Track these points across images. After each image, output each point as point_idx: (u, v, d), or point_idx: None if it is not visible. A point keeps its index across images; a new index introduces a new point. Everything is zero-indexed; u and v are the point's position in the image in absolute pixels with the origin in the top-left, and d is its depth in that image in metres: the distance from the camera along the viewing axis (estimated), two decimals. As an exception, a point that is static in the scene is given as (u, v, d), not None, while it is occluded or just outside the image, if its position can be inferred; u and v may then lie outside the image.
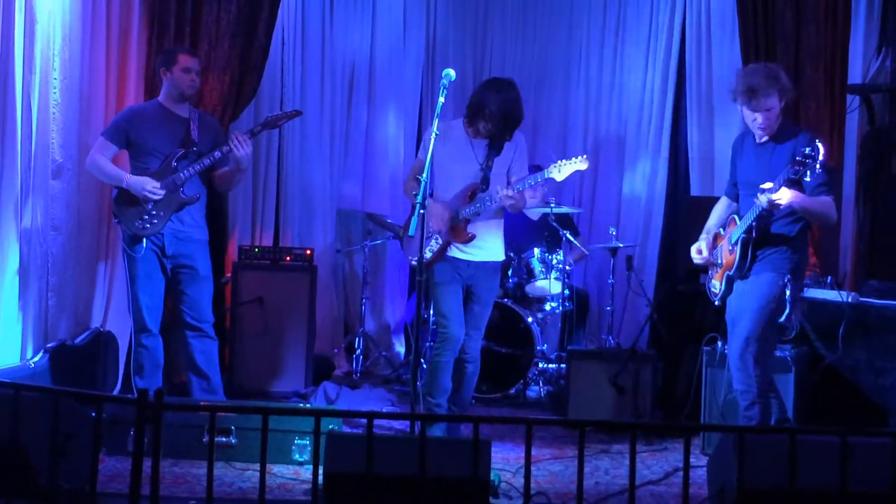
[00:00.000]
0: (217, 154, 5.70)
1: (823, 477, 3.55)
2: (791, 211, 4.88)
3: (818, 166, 4.55)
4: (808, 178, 4.63)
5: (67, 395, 3.98)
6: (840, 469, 3.42)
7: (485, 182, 5.45)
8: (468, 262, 5.50)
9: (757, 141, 5.08)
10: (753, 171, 5.04)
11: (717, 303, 5.23)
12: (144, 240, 5.67)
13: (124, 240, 5.77)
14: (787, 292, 4.92)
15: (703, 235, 5.34)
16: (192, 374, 5.83)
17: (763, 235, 4.95)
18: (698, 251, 5.30)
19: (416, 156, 5.83)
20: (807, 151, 4.56)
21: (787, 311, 4.96)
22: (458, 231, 5.43)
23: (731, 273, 5.05)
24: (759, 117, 4.95)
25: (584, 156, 5.36)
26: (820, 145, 4.59)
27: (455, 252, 5.48)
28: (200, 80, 6.01)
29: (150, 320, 5.78)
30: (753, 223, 4.91)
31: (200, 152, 5.75)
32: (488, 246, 5.53)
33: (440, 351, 5.50)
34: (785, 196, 4.68)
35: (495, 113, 5.34)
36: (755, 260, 4.97)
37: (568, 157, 5.39)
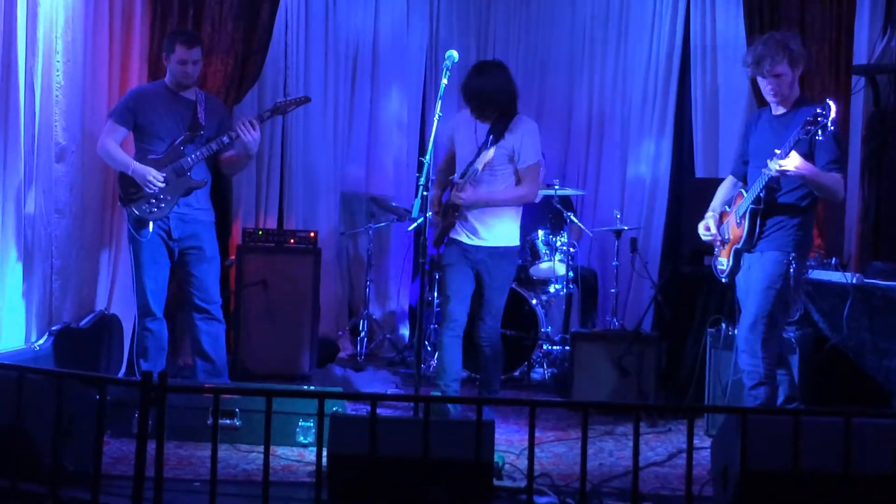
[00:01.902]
0: (225, 139, 5.69)
1: (827, 458, 3.55)
2: (800, 184, 4.84)
3: (830, 125, 4.52)
4: (819, 137, 4.58)
5: (71, 377, 3.98)
6: (843, 450, 3.43)
7: (469, 171, 5.41)
8: (476, 248, 5.49)
9: (773, 112, 5.05)
10: (768, 142, 4.94)
11: (724, 280, 5.20)
12: (151, 224, 5.66)
13: (130, 223, 5.76)
14: (792, 270, 4.90)
15: (709, 213, 5.30)
16: (197, 356, 5.84)
17: (771, 207, 4.92)
18: (706, 228, 5.25)
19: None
20: (818, 110, 4.52)
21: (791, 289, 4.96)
22: (447, 214, 5.45)
23: (738, 246, 5.01)
24: (770, 85, 4.91)
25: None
26: (832, 103, 4.53)
27: (462, 237, 5.48)
28: (203, 64, 5.98)
29: (155, 304, 5.78)
30: (762, 193, 4.86)
31: (208, 137, 5.74)
32: (496, 231, 5.50)
33: (441, 330, 5.55)
34: (793, 162, 4.61)
35: (475, 95, 5.36)
36: (762, 234, 4.94)
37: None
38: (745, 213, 4.95)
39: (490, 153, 5.27)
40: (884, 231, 6.44)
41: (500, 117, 5.44)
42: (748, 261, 5.02)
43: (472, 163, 5.36)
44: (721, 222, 5.23)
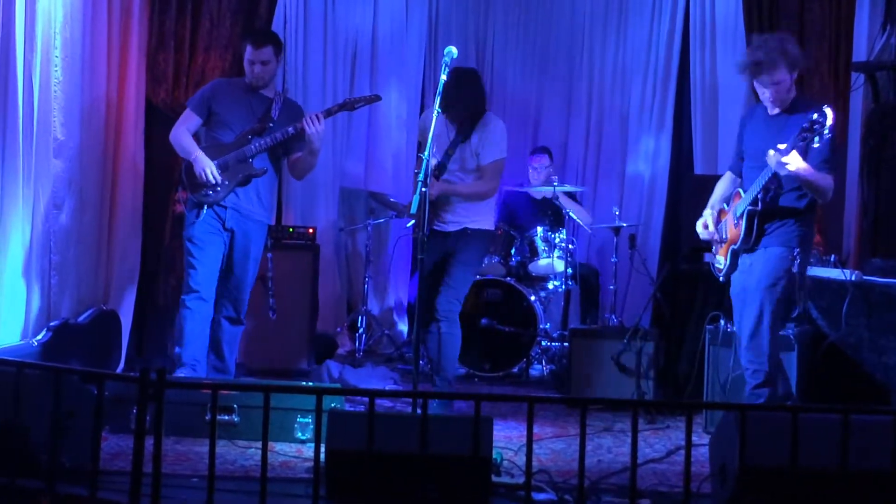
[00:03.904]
0: (290, 130, 5.65)
1: (825, 455, 3.55)
2: (797, 185, 4.85)
3: (826, 132, 4.52)
4: (816, 144, 4.59)
5: (69, 372, 3.98)
6: (842, 447, 3.43)
7: (440, 169, 5.60)
8: (447, 234, 5.65)
9: (769, 112, 5.03)
10: (763, 141, 4.93)
11: (721, 279, 5.21)
12: (205, 207, 5.64)
13: (187, 208, 5.77)
14: (796, 265, 4.91)
15: (707, 210, 5.30)
16: (211, 351, 5.80)
17: (769, 208, 4.92)
18: (704, 226, 5.25)
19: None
20: (814, 117, 4.52)
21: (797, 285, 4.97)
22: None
23: (735, 247, 5.01)
24: (768, 92, 4.91)
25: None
26: (829, 111, 4.54)
27: (439, 226, 5.63)
28: (201, 60, 5.94)
29: (197, 281, 5.67)
30: (759, 195, 4.86)
31: (276, 129, 5.71)
32: (467, 213, 5.66)
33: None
34: (794, 162, 4.62)
35: (452, 104, 5.46)
36: (762, 233, 4.94)
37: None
38: (742, 213, 4.95)
39: (457, 151, 5.52)
40: (883, 228, 6.43)
41: (469, 117, 5.61)
42: (750, 257, 5.01)
43: (445, 158, 5.60)
44: (719, 220, 5.23)
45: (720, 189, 5.36)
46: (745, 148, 5.16)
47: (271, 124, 5.72)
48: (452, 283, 5.67)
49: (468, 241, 5.69)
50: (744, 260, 5.05)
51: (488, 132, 5.61)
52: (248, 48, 5.73)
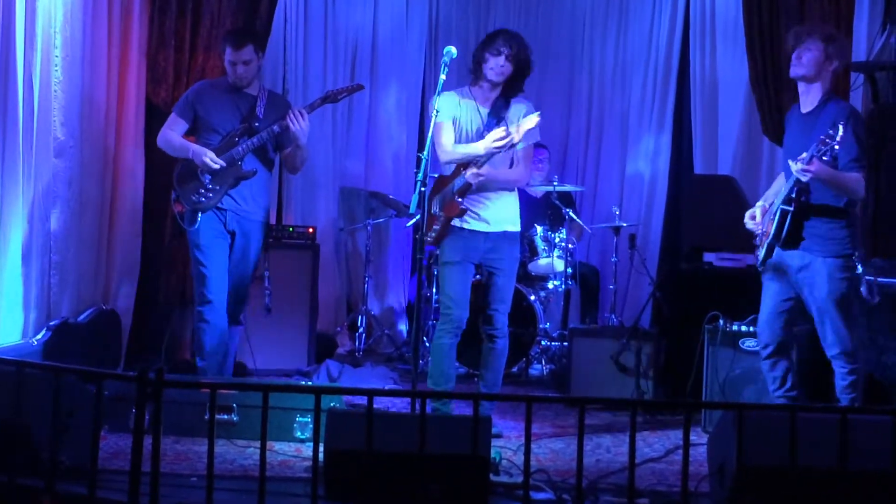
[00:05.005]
0: (275, 128, 5.61)
1: (824, 455, 3.55)
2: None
3: (836, 147, 4.55)
4: (825, 158, 4.63)
5: (68, 371, 3.98)
6: (840, 447, 3.43)
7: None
8: (486, 235, 5.36)
9: (801, 110, 5.05)
10: (796, 141, 5.01)
11: (759, 268, 5.20)
12: (200, 214, 5.62)
13: (184, 220, 5.69)
14: (860, 268, 4.94)
15: (759, 202, 5.31)
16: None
17: (806, 208, 4.91)
18: (752, 216, 5.26)
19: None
20: (830, 132, 4.57)
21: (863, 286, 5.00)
22: (450, 205, 5.33)
23: (769, 240, 5.04)
24: (804, 57, 4.91)
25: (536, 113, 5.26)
26: (841, 127, 4.56)
27: (472, 224, 5.34)
28: (202, 60, 5.88)
29: (211, 290, 5.64)
30: (792, 194, 4.88)
31: (262, 129, 5.67)
32: (505, 216, 5.41)
33: (442, 333, 5.36)
34: (813, 167, 4.66)
35: (525, 66, 5.32)
36: (811, 234, 4.92)
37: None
38: (777, 210, 4.97)
39: (500, 132, 5.17)
40: (883, 228, 6.43)
41: (505, 97, 5.39)
42: (803, 260, 4.97)
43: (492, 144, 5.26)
44: (765, 214, 5.24)
45: (775, 186, 5.38)
46: (784, 147, 5.21)
47: (257, 123, 5.68)
48: (505, 297, 5.49)
49: (510, 246, 5.44)
50: (790, 257, 5.02)
51: (526, 115, 5.30)
52: (228, 50, 5.66)
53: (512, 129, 5.17)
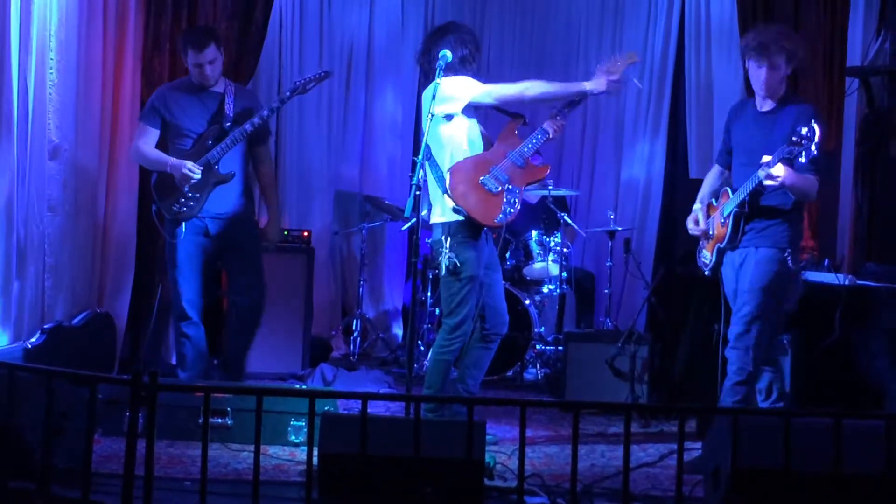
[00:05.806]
0: (248, 127, 5.57)
1: (818, 459, 3.56)
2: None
3: (813, 147, 4.57)
4: (801, 160, 4.65)
5: (61, 375, 3.97)
6: (834, 451, 3.43)
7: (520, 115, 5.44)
8: (486, 232, 5.31)
9: (758, 108, 5.06)
10: (752, 139, 5.02)
11: (707, 273, 5.24)
12: (183, 224, 5.58)
13: (165, 228, 5.68)
14: (790, 264, 4.95)
15: (696, 206, 5.35)
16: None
17: (755, 208, 4.95)
18: (695, 221, 5.30)
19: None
20: (803, 132, 4.58)
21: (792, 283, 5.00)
22: (530, 171, 5.33)
23: (721, 245, 5.07)
24: (763, 73, 4.92)
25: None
26: (816, 127, 4.59)
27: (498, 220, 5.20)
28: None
29: (191, 307, 5.69)
30: (746, 198, 4.91)
31: (234, 128, 5.62)
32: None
33: (448, 352, 5.22)
34: (780, 173, 4.69)
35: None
36: (750, 231, 4.97)
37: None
38: (729, 214, 4.99)
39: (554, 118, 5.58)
40: (877, 233, 6.45)
41: None
42: (741, 256, 5.03)
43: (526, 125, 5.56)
44: (708, 215, 5.26)
45: (708, 183, 5.41)
46: (733, 144, 5.21)
47: (228, 123, 5.63)
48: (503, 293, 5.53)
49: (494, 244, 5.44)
50: (732, 257, 5.07)
51: None
52: (191, 53, 5.60)
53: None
